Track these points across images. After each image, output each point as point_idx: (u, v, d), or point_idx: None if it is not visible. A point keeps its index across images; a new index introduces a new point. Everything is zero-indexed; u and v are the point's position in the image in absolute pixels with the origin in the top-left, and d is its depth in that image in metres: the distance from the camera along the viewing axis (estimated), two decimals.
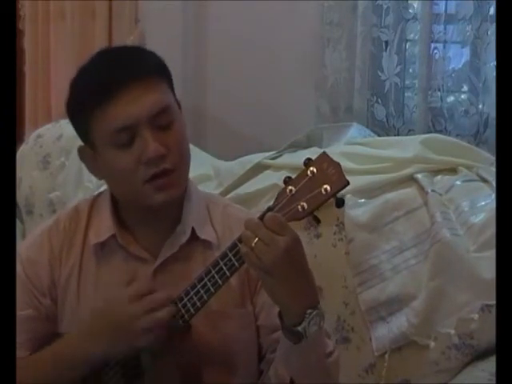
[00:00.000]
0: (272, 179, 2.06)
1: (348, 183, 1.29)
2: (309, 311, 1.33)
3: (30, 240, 1.60)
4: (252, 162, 2.13)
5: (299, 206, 1.29)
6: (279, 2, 2.52)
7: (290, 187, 1.30)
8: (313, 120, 2.47)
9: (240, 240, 1.33)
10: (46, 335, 1.53)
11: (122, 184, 1.49)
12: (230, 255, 1.35)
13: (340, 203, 1.30)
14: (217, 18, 2.67)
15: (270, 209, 1.32)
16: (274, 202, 1.32)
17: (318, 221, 1.33)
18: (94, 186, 2.20)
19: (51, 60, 2.87)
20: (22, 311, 1.50)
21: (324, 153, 1.32)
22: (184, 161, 1.49)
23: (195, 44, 2.71)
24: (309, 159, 1.31)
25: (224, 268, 1.36)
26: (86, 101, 1.45)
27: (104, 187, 1.90)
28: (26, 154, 2.34)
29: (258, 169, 2.13)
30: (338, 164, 1.30)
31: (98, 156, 1.48)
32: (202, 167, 2.18)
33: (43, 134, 2.38)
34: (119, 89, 1.42)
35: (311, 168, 1.30)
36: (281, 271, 1.29)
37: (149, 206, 1.47)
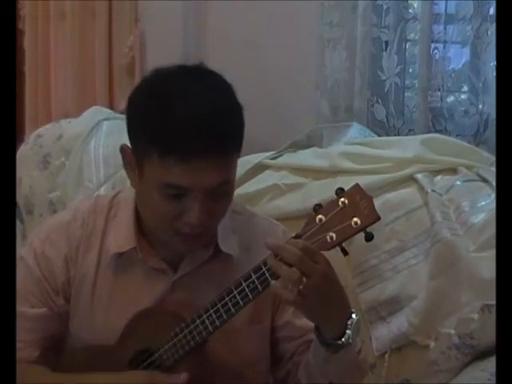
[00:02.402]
0: (272, 179, 2.06)
1: (379, 218, 1.27)
2: (349, 322, 1.33)
3: (44, 234, 1.54)
4: (252, 162, 2.13)
5: (328, 237, 1.27)
6: (279, 2, 2.52)
7: (319, 216, 1.28)
8: (313, 120, 2.47)
9: (265, 263, 1.31)
10: (56, 335, 1.52)
11: (152, 218, 1.44)
12: (254, 277, 1.32)
13: (369, 237, 1.28)
14: (217, 18, 2.67)
15: (297, 236, 1.30)
16: (303, 230, 1.30)
17: (345, 253, 1.30)
18: (94, 185, 2.20)
19: (51, 60, 2.88)
20: (35, 309, 1.49)
21: (357, 185, 1.30)
22: (219, 222, 1.45)
23: (195, 44, 2.71)
24: (341, 189, 1.29)
25: (246, 289, 1.33)
26: (153, 137, 1.34)
27: (107, 185, 1.88)
28: (25, 154, 2.33)
29: (258, 169, 2.13)
30: (371, 198, 1.29)
31: (140, 178, 1.40)
32: None
33: (43, 134, 2.38)
34: (193, 154, 1.31)
35: (343, 199, 1.27)
36: (324, 299, 1.29)
37: (171, 247, 1.45)
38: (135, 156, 1.40)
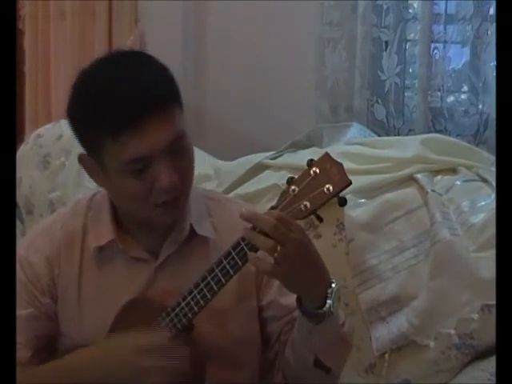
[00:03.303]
0: (272, 179, 2.06)
1: (350, 183, 1.30)
2: (329, 290, 1.35)
3: (28, 241, 1.59)
4: (252, 162, 2.13)
5: (302, 205, 1.30)
6: (279, 2, 2.52)
7: (292, 187, 1.31)
8: (313, 120, 2.47)
9: (243, 239, 1.33)
10: (47, 335, 1.53)
11: (129, 204, 1.47)
12: (233, 254, 1.35)
13: (343, 202, 1.31)
14: (217, 18, 2.67)
15: (273, 208, 1.33)
16: (277, 202, 1.33)
17: (320, 220, 1.33)
18: (94, 185, 2.19)
19: (51, 60, 2.88)
20: (23, 310, 1.50)
21: (326, 153, 1.33)
22: (191, 182, 1.48)
23: (195, 44, 2.71)
24: (311, 160, 1.32)
25: (227, 266, 1.35)
26: (98, 127, 1.39)
27: None
28: (26, 154, 2.34)
29: (258, 169, 2.13)
30: (341, 164, 1.31)
31: (105, 174, 1.44)
32: (202, 167, 2.18)
33: (43, 133, 2.38)
34: (136, 122, 1.36)
35: (314, 168, 1.31)
36: (300, 266, 1.30)
37: (154, 223, 1.48)
38: (93, 156, 1.44)
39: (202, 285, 1.38)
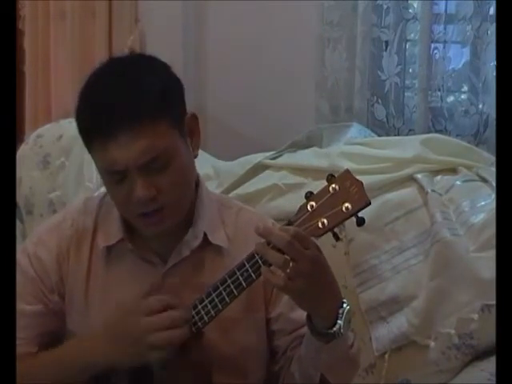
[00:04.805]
0: (272, 179, 2.06)
1: (370, 203, 1.28)
2: (340, 311, 1.34)
3: (38, 236, 1.58)
4: (252, 162, 2.13)
5: (319, 223, 1.29)
6: (279, 2, 2.52)
7: (311, 203, 1.29)
8: (313, 120, 2.47)
9: (258, 252, 1.31)
10: (54, 331, 1.54)
11: (117, 207, 1.49)
12: (247, 266, 1.33)
13: (361, 222, 1.29)
14: (217, 18, 2.67)
15: (289, 223, 1.31)
16: (295, 217, 1.31)
17: (337, 238, 1.32)
18: (95, 185, 2.20)
19: (51, 60, 2.88)
20: (31, 306, 1.51)
21: (347, 170, 1.31)
22: (179, 196, 1.45)
23: (195, 44, 2.71)
24: (332, 175, 1.30)
25: (240, 278, 1.34)
26: (83, 134, 1.44)
27: None
28: (26, 154, 2.34)
29: (258, 169, 2.13)
30: (361, 183, 1.29)
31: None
32: (202, 167, 2.17)
33: (43, 134, 2.38)
34: (108, 135, 1.37)
35: (333, 185, 1.29)
36: (313, 284, 1.29)
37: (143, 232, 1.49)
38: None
39: (213, 295, 1.37)
